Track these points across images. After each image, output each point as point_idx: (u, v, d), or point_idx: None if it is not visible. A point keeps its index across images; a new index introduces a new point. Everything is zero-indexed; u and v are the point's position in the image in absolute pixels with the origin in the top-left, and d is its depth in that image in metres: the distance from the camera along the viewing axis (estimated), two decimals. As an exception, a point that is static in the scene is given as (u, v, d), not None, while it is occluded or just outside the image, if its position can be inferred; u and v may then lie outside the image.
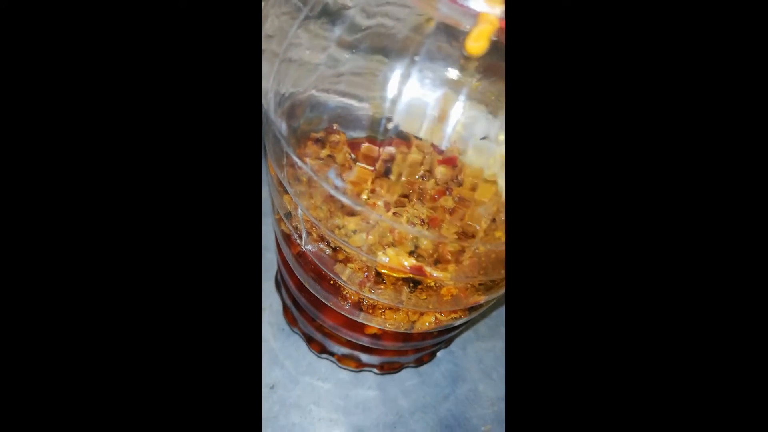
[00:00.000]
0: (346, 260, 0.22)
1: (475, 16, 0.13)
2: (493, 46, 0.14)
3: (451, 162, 0.24)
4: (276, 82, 0.18)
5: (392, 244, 0.22)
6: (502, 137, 0.18)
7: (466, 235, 0.18)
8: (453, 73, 0.16)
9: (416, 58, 0.15)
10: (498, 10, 0.13)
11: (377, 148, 0.20)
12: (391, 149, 0.22)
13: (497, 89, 0.17)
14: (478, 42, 0.13)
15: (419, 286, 0.21)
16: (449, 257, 0.22)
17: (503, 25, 0.13)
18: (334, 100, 0.21)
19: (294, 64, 0.18)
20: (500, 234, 0.19)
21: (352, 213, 0.21)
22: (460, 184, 0.23)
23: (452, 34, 0.14)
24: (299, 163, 0.18)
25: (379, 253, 0.20)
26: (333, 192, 0.18)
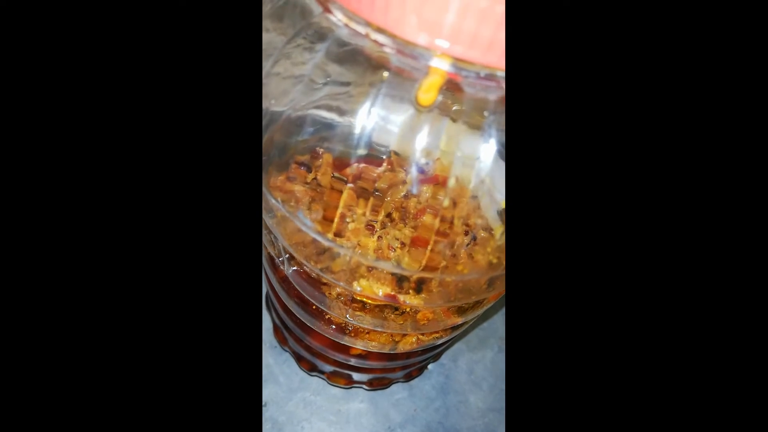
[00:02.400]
0: (328, 286, 0.23)
1: (425, 69, 0.14)
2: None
3: (434, 180, 0.24)
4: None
5: (375, 268, 0.22)
6: (487, 157, 0.18)
7: (433, 267, 0.19)
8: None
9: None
10: (446, 64, 0.13)
11: (371, 168, 0.20)
12: (372, 168, 0.22)
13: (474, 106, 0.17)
14: (428, 93, 0.14)
15: (395, 311, 0.22)
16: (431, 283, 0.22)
17: (452, 76, 0.14)
18: (313, 118, 0.21)
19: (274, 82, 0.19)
20: (461, 267, 0.19)
21: (338, 235, 0.22)
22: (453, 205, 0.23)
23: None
24: (272, 200, 0.19)
25: (354, 283, 0.20)
26: (304, 228, 0.18)
